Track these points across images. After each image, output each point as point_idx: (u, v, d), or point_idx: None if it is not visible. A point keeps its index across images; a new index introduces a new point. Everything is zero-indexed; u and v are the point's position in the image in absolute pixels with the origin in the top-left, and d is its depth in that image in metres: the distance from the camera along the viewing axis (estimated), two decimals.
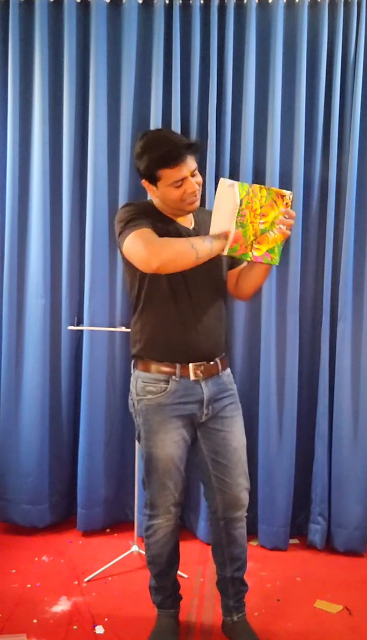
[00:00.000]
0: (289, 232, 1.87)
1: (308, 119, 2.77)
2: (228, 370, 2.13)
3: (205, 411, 2.03)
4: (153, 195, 1.96)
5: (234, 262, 2.08)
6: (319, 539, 2.83)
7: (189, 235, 1.97)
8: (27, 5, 2.82)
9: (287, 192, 1.83)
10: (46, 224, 2.88)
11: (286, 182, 2.78)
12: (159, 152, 1.85)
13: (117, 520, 3.03)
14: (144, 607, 2.37)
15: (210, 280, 2.02)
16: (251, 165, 2.79)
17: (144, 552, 2.68)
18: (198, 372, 2.00)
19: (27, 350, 2.91)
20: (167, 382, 1.98)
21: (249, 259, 1.86)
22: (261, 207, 1.80)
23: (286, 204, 1.83)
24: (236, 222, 1.78)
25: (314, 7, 2.75)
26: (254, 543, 2.89)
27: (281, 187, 2.77)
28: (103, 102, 2.81)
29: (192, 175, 1.89)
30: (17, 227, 2.89)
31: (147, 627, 2.24)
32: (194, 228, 2.03)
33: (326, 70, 2.74)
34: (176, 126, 2.76)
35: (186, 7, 2.77)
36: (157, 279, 1.93)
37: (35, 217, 2.87)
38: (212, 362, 2.04)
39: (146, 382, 2.00)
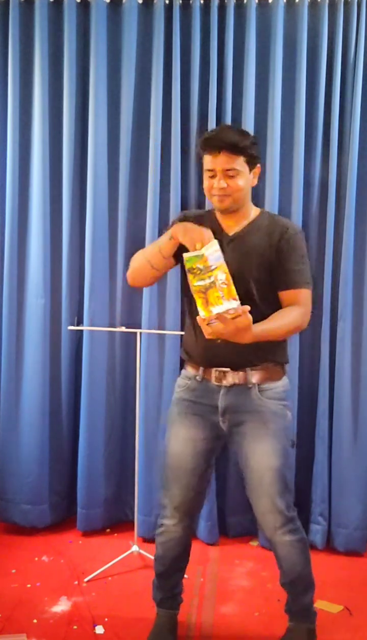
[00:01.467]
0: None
1: (308, 119, 2.77)
2: (268, 385, 1.99)
3: (221, 419, 2.01)
4: None
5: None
6: (319, 539, 2.83)
7: (221, 244, 1.89)
8: (27, 5, 2.81)
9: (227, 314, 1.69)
10: (46, 224, 2.88)
11: (286, 182, 2.78)
12: (205, 134, 2.00)
13: (117, 520, 3.03)
14: (144, 607, 2.36)
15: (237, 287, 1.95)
16: None
17: (144, 552, 2.69)
18: (219, 377, 2.00)
19: (27, 350, 2.91)
20: (191, 380, 2.07)
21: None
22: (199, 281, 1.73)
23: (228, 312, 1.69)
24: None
25: (314, 7, 2.75)
26: (254, 543, 2.89)
27: (281, 187, 2.78)
28: (103, 102, 2.81)
29: (229, 176, 1.92)
30: (17, 227, 2.88)
31: (147, 627, 2.24)
32: (234, 235, 2.00)
33: (326, 70, 2.74)
34: (176, 126, 2.76)
35: (186, 7, 2.77)
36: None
37: (35, 217, 2.87)
38: (240, 372, 1.99)
39: (181, 377, 2.13)
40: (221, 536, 2.92)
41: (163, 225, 2.82)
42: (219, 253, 1.76)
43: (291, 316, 1.94)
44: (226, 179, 1.93)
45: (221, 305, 1.71)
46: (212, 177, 1.94)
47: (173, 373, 2.85)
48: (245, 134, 1.98)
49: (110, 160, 2.86)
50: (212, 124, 2.75)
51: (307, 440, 2.89)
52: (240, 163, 1.93)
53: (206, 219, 2.03)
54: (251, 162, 1.95)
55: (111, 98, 2.83)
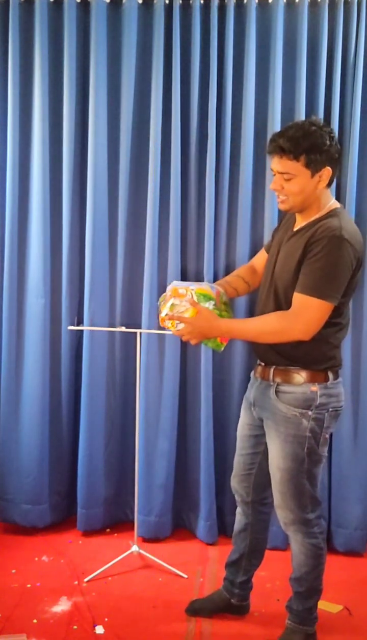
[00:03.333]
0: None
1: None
2: (286, 388, 2.02)
3: (253, 409, 2.15)
4: None
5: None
6: None
7: (282, 239, 2.08)
8: (27, 5, 2.81)
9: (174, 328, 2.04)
10: (46, 224, 2.87)
11: None
12: (273, 134, 1.99)
13: (117, 520, 3.03)
14: (144, 607, 2.37)
15: (271, 280, 2.06)
16: (251, 165, 2.79)
17: (144, 552, 2.69)
18: (256, 370, 2.16)
19: (27, 350, 2.91)
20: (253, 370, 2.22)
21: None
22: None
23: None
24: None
25: (314, 7, 2.74)
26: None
27: None
28: (103, 102, 2.80)
29: (285, 179, 1.92)
30: (17, 227, 2.88)
31: (147, 627, 2.25)
32: (291, 233, 2.03)
33: (326, 70, 2.74)
34: (176, 126, 2.76)
35: (186, 7, 2.77)
36: None
37: (35, 217, 2.87)
38: (265, 366, 2.08)
39: None
40: (221, 536, 2.92)
41: (163, 225, 2.83)
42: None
43: (265, 320, 1.99)
44: (283, 181, 1.93)
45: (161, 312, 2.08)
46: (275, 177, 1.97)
47: (173, 373, 2.85)
48: (306, 136, 1.88)
49: (110, 160, 2.86)
50: (212, 124, 2.75)
51: None
52: (296, 167, 1.89)
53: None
54: (312, 166, 1.89)
55: (111, 98, 2.83)
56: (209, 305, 2.03)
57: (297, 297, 1.91)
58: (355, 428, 2.81)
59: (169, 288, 2.10)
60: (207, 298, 2.04)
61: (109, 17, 2.80)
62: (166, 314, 2.02)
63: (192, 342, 2.01)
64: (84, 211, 2.88)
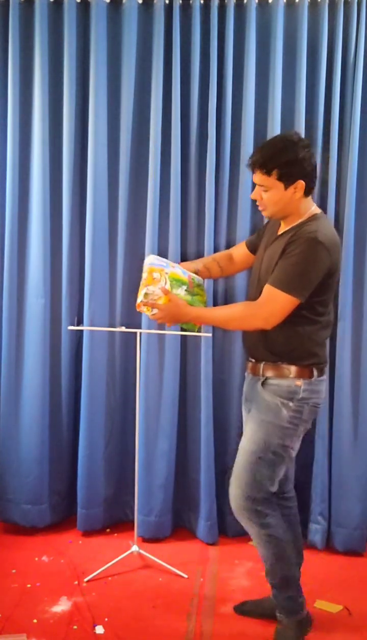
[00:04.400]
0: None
1: (308, 118, 2.77)
2: (273, 381, 2.10)
3: (245, 404, 2.23)
4: None
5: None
6: (319, 539, 2.83)
7: (267, 243, 2.17)
8: (27, 5, 2.81)
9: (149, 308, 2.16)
10: (46, 224, 2.87)
11: None
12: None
13: (117, 520, 3.03)
14: (144, 607, 2.37)
15: (258, 282, 2.14)
16: None
17: (144, 552, 2.69)
18: (247, 366, 2.23)
19: (27, 350, 2.91)
20: None
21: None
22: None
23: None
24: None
25: (314, 7, 2.75)
26: (253, 543, 2.89)
27: None
28: (103, 102, 2.81)
29: (264, 190, 2.06)
30: (17, 227, 2.88)
31: (147, 627, 2.25)
32: (274, 237, 2.14)
33: (326, 70, 2.74)
34: (176, 126, 2.76)
35: (186, 7, 2.77)
36: None
37: (35, 217, 2.87)
38: (256, 363, 2.16)
39: None
40: (221, 536, 2.92)
41: (163, 225, 2.83)
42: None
43: (231, 308, 2.19)
44: (262, 192, 2.06)
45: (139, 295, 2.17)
46: None
47: (173, 373, 2.85)
48: (278, 152, 2.00)
49: (110, 160, 2.86)
50: (212, 124, 2.75)
51: (307, 439, 2.89)
52: (270, 181, 2.03)
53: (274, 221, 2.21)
54: (284, 179, 2.01)
55: (111, 98, 2.83)
56: (181, 290, 2.18)
57: (266, 289, 2.02)
58: (355, 428, 2.81)
59: (146, 264, 2.22)
60: (180, 283, 2.19)
61: (109, 17, 2.80)
62: (141, 301, 2.15)
63: (168, 324, 2.16)
64: (84, 211, 2.88)
